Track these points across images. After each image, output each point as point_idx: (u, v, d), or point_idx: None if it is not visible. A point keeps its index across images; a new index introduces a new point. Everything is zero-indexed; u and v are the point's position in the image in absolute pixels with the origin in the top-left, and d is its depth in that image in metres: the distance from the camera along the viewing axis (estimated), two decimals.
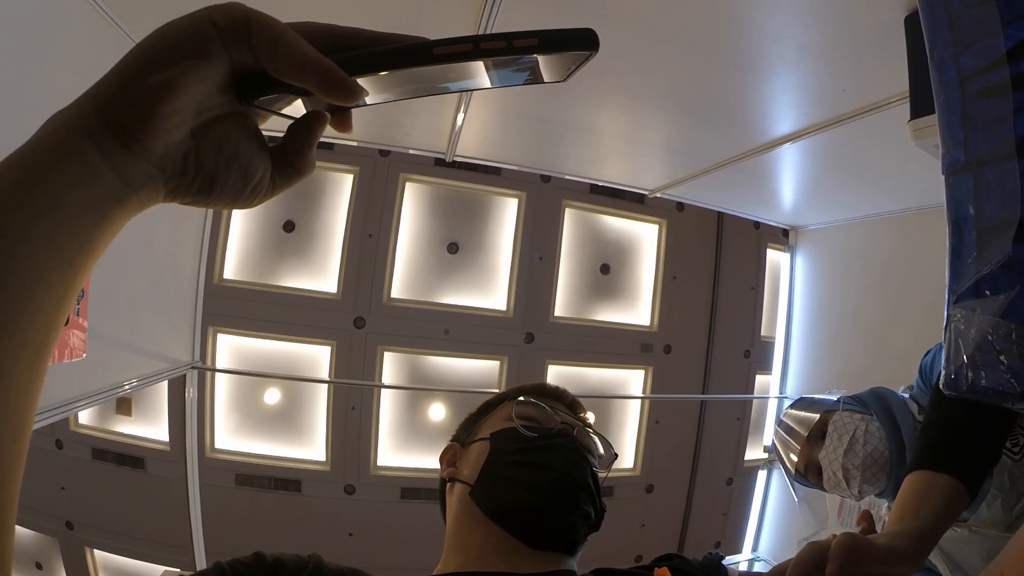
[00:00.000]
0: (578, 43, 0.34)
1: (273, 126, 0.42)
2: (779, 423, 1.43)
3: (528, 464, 0.77)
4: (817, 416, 1.33)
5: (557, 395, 0.93)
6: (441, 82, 0.37)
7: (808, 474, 1.34)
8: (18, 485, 0.31)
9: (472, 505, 0.78)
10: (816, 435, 1.31)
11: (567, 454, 0.79)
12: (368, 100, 0.38)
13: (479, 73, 0.36)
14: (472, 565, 0.74)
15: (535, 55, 0.35)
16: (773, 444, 1.43)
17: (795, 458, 1.35)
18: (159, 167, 0.34)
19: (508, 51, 0.34)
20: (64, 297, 0.32)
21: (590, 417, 0.93)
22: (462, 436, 0.91)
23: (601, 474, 0.85)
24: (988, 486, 1.10)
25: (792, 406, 1.46)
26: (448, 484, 0.85)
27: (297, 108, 0.39)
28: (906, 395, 1.33)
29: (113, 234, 0.34)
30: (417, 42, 0.36)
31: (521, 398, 0.87)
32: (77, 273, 0.32)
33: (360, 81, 0.36)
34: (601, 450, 0.88)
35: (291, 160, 0.41)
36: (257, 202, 0.40)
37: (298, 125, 0.41)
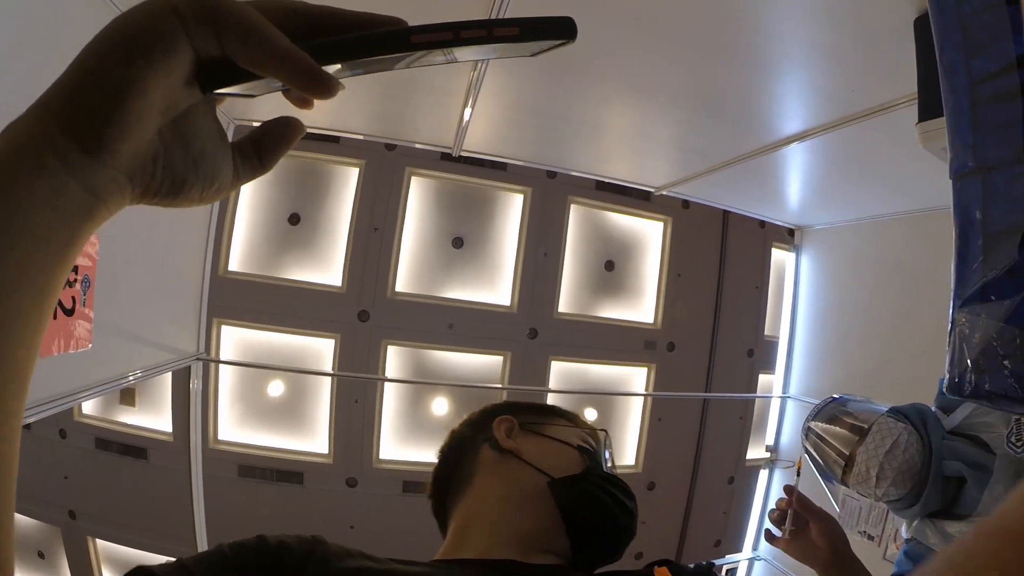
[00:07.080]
0: (558, 32, 0.34)
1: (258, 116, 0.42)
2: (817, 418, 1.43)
3: (613, 497, 0.80)
4: (863, 415, 1.34)
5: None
6: (412, 60, 0.36)
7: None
8: (15, 470, 0.30)
9: (543, 493, 0.77)
10: (856, 430, 1.32)
11: (633, 508, 0.83)
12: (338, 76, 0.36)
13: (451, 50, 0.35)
14: (493, 540, 0.74)
15: (514, 43, 0.34)
16: (807, 428, 1.42)
17: (837, 446, 1.35)
18: (127, 173, 0.32)
19: (488, 39, 0.34)
20: (38, 323, 0.30)
21: None
22: (521, 417, 0.87)
23: None
24: (992, 480, 1.11)
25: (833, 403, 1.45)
26: (495, 452, 0.82)
27: (258, 87, 0.36)
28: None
29: (82, 245, 0.32)
30: (394, 27, 0.35)
31: (608, 439, 0.90)
32: (47, 297, 0.31)
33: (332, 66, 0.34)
34: None
35: (260, 159, 0.39)
36: (219, 198, 0.38)
37: (274, 128, 0.39)
